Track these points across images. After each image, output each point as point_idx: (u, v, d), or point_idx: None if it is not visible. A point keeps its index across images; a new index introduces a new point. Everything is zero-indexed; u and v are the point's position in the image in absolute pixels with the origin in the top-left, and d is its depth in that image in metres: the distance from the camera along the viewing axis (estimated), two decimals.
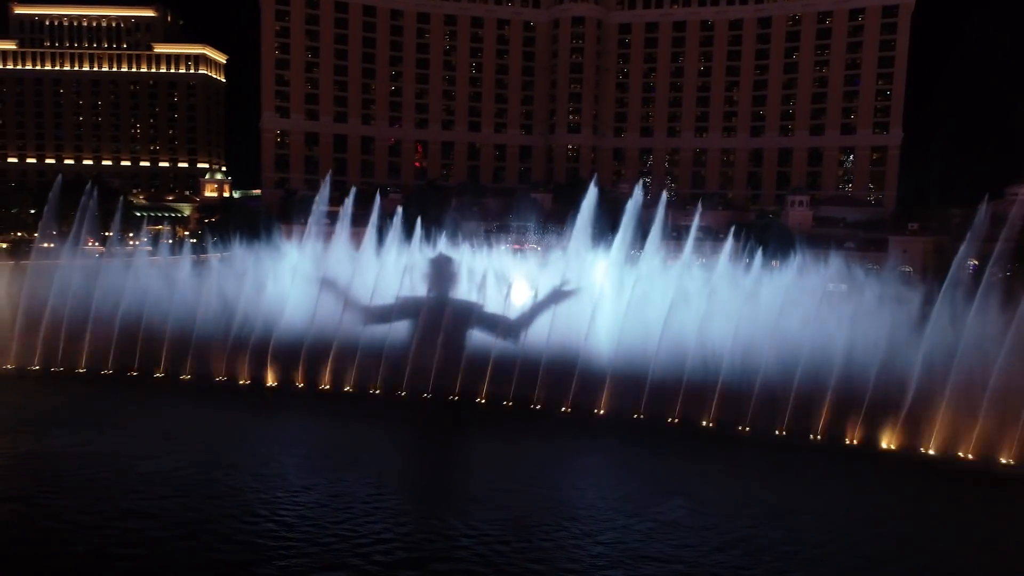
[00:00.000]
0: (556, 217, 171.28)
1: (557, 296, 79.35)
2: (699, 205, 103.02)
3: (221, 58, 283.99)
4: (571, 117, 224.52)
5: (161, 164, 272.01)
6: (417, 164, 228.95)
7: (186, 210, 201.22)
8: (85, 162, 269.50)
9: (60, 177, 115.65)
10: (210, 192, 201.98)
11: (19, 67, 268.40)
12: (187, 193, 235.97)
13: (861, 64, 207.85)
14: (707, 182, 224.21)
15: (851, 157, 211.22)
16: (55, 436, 54.72)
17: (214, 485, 45.99)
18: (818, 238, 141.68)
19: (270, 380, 73.38)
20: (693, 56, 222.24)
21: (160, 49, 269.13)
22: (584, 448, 59.57)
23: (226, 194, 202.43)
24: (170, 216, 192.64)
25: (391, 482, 48.98)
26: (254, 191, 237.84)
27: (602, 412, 66.48)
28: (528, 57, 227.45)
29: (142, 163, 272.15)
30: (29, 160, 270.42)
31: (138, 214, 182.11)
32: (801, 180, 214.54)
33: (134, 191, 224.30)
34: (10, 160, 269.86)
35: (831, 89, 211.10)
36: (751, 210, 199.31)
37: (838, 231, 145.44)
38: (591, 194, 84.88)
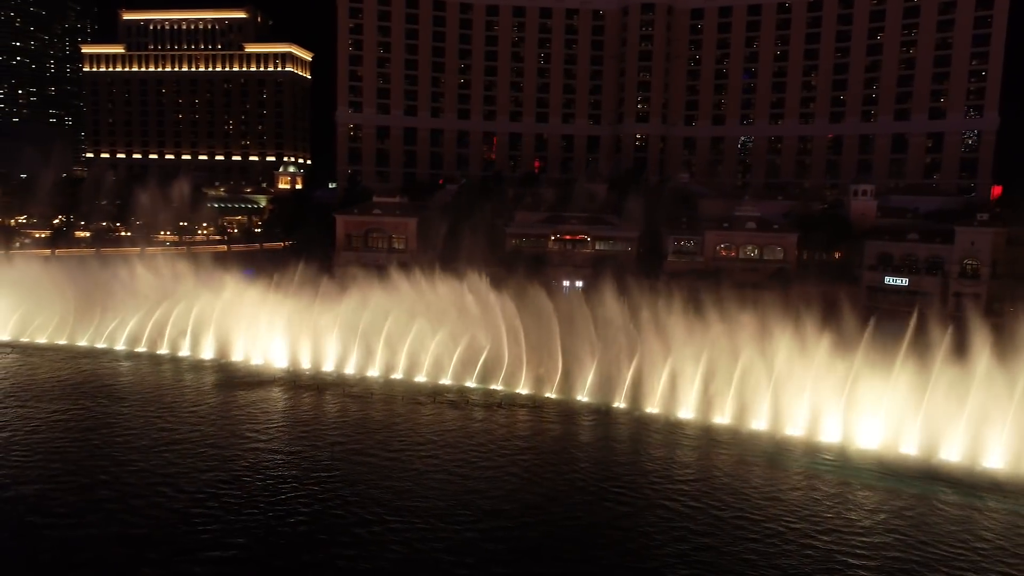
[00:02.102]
0: (611, 207, 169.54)
1: None
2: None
3: (307, 56, 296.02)
4: (639, 106, 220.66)
5: (251, 158, 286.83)
6: (492, 156, 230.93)
7: (262, 201, 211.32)
8: (184, 157, 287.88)
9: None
10: (283, 184, 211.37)
11: (126, 69, 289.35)
12: (263, 185, 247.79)
13: (953, 43, 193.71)
14: (782, 171, 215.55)
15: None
16: None
17: None
18: (881, 229, 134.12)
19: None
20: (768, 40, 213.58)
21: (251, 49, 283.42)
22: None
23: (298, 186, 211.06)
24: (246, 207, 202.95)
25: None
26: (333, 184, 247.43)
27: None
28: (597, 46, 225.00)
29: (234, 157, 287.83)
30: (135, 156, 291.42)
31: (216, 205, 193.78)
32: (884, 168, 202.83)
33: (215, 184, 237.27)
34: (118, 156, 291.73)
35: (919, 71, 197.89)
36: (824, 199, 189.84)
37: (905, 222, 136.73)
38: None
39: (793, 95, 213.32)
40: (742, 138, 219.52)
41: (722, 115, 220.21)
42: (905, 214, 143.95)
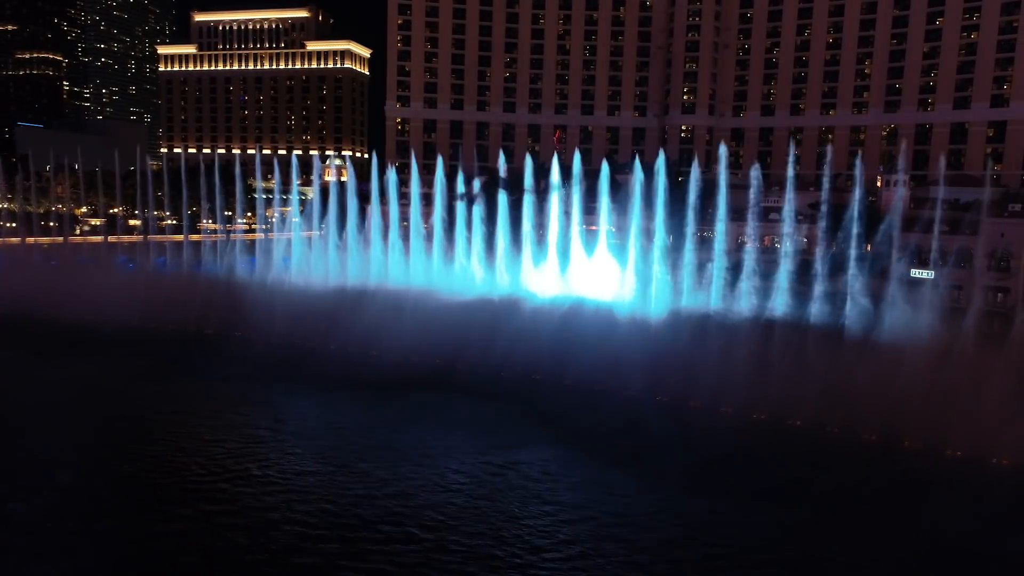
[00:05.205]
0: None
1: None
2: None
3: (365, 52, 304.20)
4: (686, 97, 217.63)
5: (311, 152, 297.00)
6: (537, 149, 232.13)
7: (309, 193, 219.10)
8: (249, 151, 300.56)
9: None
10: (329, 176, 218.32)
11: (198, 68, 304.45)
12: (312, 178, 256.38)
13: (1018, 27, 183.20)
14: (834, 163, 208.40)
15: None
16: None
17: None
18: (910, 221, 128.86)
19: None
20: (821, 28, 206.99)
21: (312, 47, 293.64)
22: None
23: (343, 178, 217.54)
24: (297, 198, 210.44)
25: None
26: None
27: None
28: (643, 37, 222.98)
29: (296, 151, 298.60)
30: (205, 150, 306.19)
31: (265, 196, 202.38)
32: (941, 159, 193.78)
33: (268, 176, 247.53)
34: (190, 150, 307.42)
35: (980, 56, 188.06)
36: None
37: (937, 213, 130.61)
38: None
39: (846, 84, 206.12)
40: (792, 129, 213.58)
41: (771, 105, 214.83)
42: (942, 205, 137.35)
